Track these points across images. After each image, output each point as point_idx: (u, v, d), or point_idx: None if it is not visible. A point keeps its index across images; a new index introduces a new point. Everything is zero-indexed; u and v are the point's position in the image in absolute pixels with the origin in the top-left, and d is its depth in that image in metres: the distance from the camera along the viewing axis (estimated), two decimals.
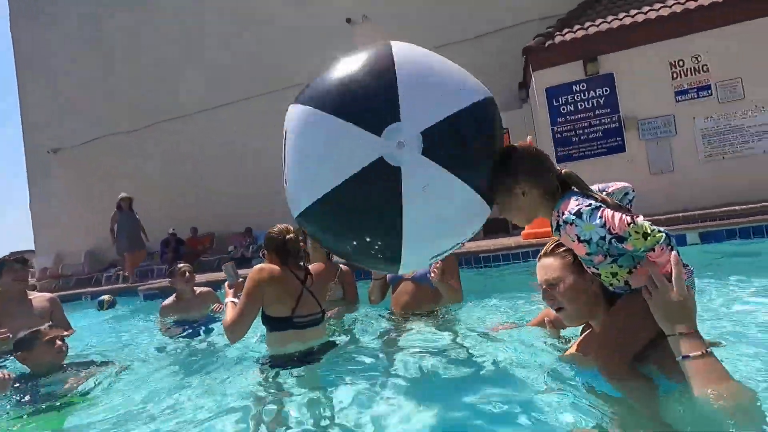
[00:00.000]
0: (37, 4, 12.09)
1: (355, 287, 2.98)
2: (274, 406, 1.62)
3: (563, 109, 6.27)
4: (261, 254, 2.07)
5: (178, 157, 10.81)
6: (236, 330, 1.87)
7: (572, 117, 6.24)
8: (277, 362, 1.94)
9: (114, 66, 11.31)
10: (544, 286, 1.38)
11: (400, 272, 1.33)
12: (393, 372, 1.83)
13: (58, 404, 1.88)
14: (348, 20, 9.38)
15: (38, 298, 2.93)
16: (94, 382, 2.08)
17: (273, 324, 1.97)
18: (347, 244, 1.22)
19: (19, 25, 12.43)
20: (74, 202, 11.78)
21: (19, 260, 3.06)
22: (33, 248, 12.42)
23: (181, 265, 3.51)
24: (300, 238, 2.11)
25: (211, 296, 3.51)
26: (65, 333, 2.25)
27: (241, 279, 2.09)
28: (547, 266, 1.38)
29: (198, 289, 3.52)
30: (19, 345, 2.08)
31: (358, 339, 2.43)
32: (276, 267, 1.97)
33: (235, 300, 2.02)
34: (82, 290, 8.01)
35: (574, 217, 1.17)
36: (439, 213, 1.14)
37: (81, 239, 11.45)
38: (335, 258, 3.04)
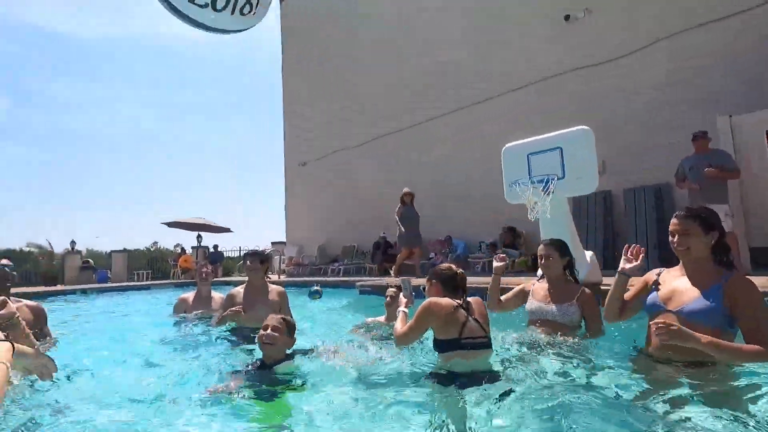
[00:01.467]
0: (295, 50, 15.52)
1: (597, 310, 2.62)
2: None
3: None
4: (426, 283, 2.41)
5: (392, 167, 12.01)
6: (402, 342, 2.28)
7: None
8: (438, 378, 2.06)
9: (342, 95, 13.44)
10: None
11: None
12: None
13: (288, 390, 2.11)
14: (567, 17, 8.60)
15: (273, 291, 3.46)
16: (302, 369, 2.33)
17: (441, 346, 2.16)
18: None
19: (286, 68, 16.19)
20: (313, 205, 14.51)
21: (249, 254, 3.61)
22: (285, 241, 15.83)
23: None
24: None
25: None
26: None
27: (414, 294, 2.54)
28: None
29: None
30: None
31: (575, 372, 2.04)
32: (445, 301, 2.19)
33: (406, 310, 2.42)
34: (313, 278, 9.70)
35: None
36: None
37: (316, 236, 13.99)
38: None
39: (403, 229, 8.04)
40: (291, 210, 15.65)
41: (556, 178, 3.66)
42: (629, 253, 2.18)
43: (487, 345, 2.17)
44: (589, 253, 4.10)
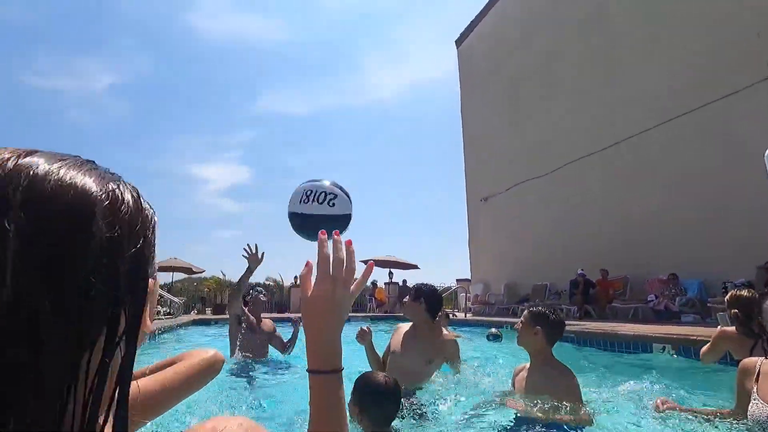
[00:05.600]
0: (474, 90, 15.72)
1: None
2: None
3: None
4: (731, 315, 2.59)
5: (587, 197, 10.56)
6: (705, 360, 2.78)
7: None
8: None
9: (525, 127, 12.75)
10: None
11: None
12: None
13: None
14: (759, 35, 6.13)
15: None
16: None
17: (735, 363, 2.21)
18: None
19: (465, 108, 16.54)
20: (498, 240, 13.90)
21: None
22: (469, 278, 15.52)
23: None
24: None
25: None
26: None
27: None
28: None
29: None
30: None
31: None
32: (731, 329, 2.59)
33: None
34: (501, 319, 9.01)
35: None
36: None
37: (502, 273, 13.25)
38: None
39: None
40: (474, 246, 15.36)
41: None
42: None
43: None
44: None
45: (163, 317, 10.04)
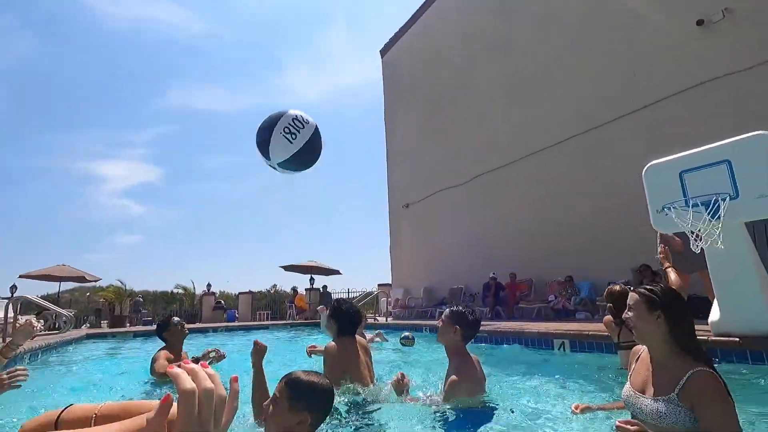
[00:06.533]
0: (398, 100, 16.19)
1: (716, 412, 1.45)
2: None
3: None
4: (608, 308, 3.03)
5: (496, 205, 11.39)
6: None
7: None
8: None
9: (445, 138, 13.43)
10: None
11: None
12: None
13: None
14: (700, 22, 7.48)
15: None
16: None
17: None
18: None
19: (389, 117, 16.93)
20: (418, 246, 14.38)
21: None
22: (390, 283, 15.81)
23: None
24: None
25: None
26: None
27: None
28: None
29: None
30: None
31: None
32: (610, 318, 3.21)
33: None
34: (420, 322, 9.31)
35: None
36: None
37: (422, 277, 13.72)
38: None
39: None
40: (396, 252, 15.72)
41: (727, 198, 2.88)
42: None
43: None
44: None
45: (42, 333, 8.74)
